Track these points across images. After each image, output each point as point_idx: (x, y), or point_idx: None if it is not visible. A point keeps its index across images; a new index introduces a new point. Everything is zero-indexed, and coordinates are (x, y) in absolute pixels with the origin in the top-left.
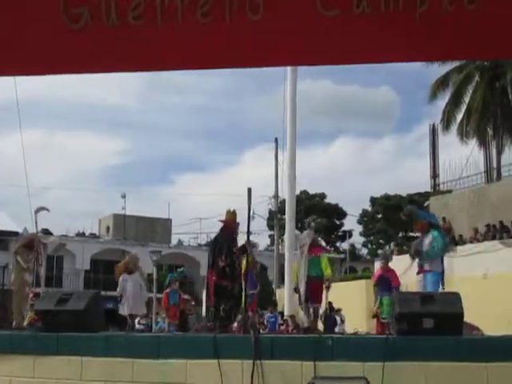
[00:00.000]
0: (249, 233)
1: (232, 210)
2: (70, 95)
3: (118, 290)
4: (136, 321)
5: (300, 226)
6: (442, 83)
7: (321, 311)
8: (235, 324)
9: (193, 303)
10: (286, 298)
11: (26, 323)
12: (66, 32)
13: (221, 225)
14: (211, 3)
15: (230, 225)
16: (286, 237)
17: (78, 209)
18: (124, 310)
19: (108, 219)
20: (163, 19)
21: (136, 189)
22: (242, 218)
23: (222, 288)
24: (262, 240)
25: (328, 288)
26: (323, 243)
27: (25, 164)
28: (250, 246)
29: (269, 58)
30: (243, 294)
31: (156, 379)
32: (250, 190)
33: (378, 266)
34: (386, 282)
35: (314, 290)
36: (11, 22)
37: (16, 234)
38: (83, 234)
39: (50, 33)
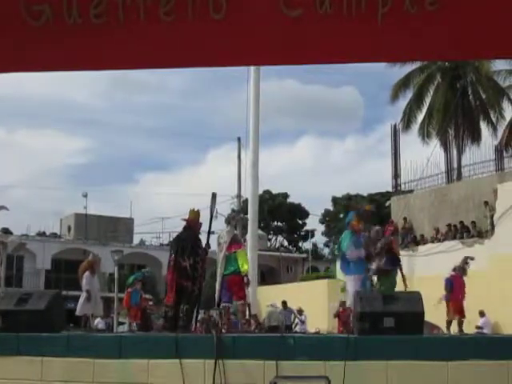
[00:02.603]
0: (209, 235)
1: (196, 209)
2: (32, 93)
3: (85, 286)
4: (96, 321)
5: (263, 225)
6: (403, 84)
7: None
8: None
9: (151, 303)
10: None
11: None
12: (26, 29)
13: (184, 224)
14: (174, 2)
15: (193, 224)
16: (248, 236)
17: (39, 208)
18: (85, 310)
19: (69, 218)
20: (125, 18)
21: (98, 188)
22: (205, 218)
23: (183, 288)
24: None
25: (247, 284)
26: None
27: None
28: (209, 248)
29: (231, 57)
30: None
31: (117, 379)
32: (214, 195)
33: None
34: None
35: (233, 285)
36: None
37: None
38: (44, 234)
39: (11, 30)
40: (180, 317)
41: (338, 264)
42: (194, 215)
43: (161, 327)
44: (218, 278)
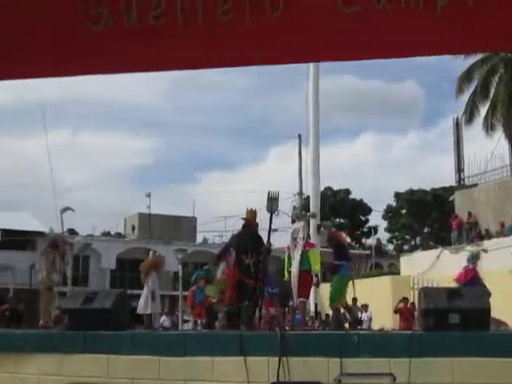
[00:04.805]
0: (270, 234)
1: (253, 209)
2: (95, 95)
3: (151, 286)
4: (162, 319)
5: (325, 222)
6: (466, 77)
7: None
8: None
9: (214, 300)
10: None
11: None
12: (86, 33)
13: (242, 223)
14: (232, 1)
15: (251, 223)
16: (310, 233)
17: (104, 208)
18: (150, 309)
19: (133, 218)
20: (184, 18)
21: (161, 188)
22: (266, 215)
23: (245, 286)
24: (286, 237)
25: (317, 285)
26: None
27: (50, 164)
28: (270, 246)
29: (289, 55)
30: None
31: (182, 377)
32: (273, 195)
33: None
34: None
35: (303, 283)
36: (32, 24)
37: (42, 234)
38: (109, 234)
39: (72, 34)
40: (242, 314)
41: None
42: (252, 215)
43: (222, 325)
44: (295, 274)
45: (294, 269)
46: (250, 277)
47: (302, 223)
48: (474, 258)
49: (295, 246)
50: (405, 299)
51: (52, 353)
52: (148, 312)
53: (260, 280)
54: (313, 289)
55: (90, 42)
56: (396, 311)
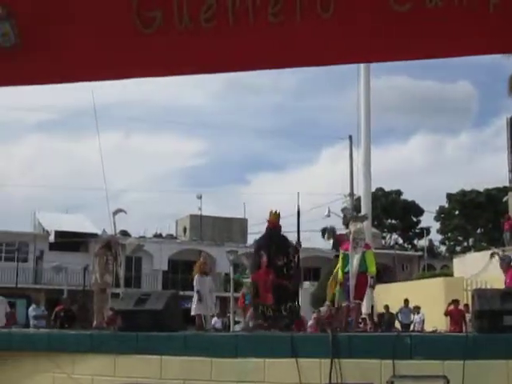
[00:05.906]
0: (299, 234)
1: (277, 211)
2: (147, 97)
3: (195, 288)
4: (213, 320)
5: (376, 223)
6: None
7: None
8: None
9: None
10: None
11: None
12: (139, 36)
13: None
14: (282, 2)
15: (276, 225)
16: None
17: (156, 210)
18: (197, 310)
19: (185, 220)
20: (235, 20)
21: (212, 189)
22: (317, 216)
23: (283, 287)
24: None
25: (373, 287)
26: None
27: (103, 167)
28: (300, 246)
29: (340, 55)
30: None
31: (234, 378)
32: (298, 195)
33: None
34: None
35: (360, 285)
36: (85, 28)
37: (95, 235)
38: (160, 235)
39: (124, 37)
40: (284, 315)
41: None
42: (276, 217)
43: (258, 326)
44: (354, 275)
45: (354, 269)
46: (285, 278)
47: (363, 224)
48: (505, 259)
49: (354, 247)
50: (455, 301)
51: (105, 354)
52: (193, 313)
53: (293, 279)
54: (368, 290)
55: (140, 45)
56: (446, 314)
